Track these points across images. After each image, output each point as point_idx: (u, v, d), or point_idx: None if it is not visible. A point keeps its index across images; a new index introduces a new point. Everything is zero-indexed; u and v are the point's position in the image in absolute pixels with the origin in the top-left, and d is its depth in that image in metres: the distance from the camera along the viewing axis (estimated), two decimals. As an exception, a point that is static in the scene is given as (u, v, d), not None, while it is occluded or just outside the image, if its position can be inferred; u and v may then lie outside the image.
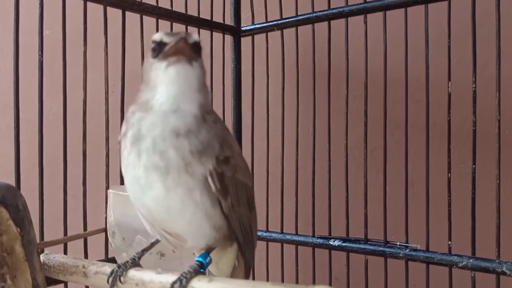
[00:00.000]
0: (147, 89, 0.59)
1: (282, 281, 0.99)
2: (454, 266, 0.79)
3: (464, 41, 0.83)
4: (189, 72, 0.57)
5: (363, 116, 0.90)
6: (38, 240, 0.68)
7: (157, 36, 0.58)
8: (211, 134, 0.58)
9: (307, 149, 1.00)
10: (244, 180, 0.63)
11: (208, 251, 0.62)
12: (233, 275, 0.71)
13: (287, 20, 1.00)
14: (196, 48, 0.58)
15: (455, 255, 0.79)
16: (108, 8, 0.84)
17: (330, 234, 0.94)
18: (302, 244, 0.96)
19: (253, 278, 1.02)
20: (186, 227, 0.60)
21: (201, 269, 0.60)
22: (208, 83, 1.00)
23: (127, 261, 0.63)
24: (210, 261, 0.62)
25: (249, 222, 0.65)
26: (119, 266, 0.63)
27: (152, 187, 0.58)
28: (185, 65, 0.57)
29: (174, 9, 0.95)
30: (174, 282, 0.57)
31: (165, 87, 0.57)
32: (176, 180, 0.57)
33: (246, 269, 0.68)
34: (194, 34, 0.59)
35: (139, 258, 0.65)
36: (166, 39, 0.57)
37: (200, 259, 0.61)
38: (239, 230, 0.63)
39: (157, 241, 0.68)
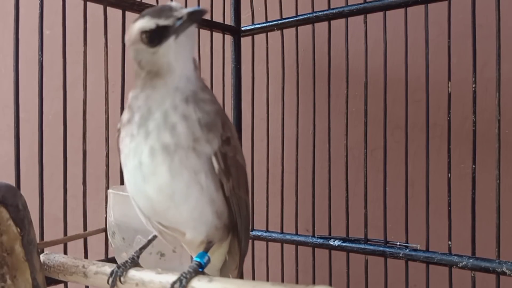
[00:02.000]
0: (149, 76, 0.58)
1: (282, 281, 0.99)
2: (454, 266, 0.79)
3: (464, 41, 0.83)
4: (195, 40, 0.60)
5: (363, 116, 0.90)
6: (38, 240, 0.68)
7: (149, 24, 0.57)
8: (214, 109, 0.58)
9: (307, 149, 1.00)
10: (242, 162, 0.63)
11: (205, 250, 0.62)
12: (223, 268, 0.71)
13: (287, 20, 1.00)
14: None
15: (455, 255, 0.79)
16: (108, 8, 0.84)
17: (330, 234, 0.94)
18: (302, 244, 0.96)
19: (253, 278, 1.02)
20: (189, 214, 0.59)
21: (200, 268, 0.60)
22: (208, 83, 1.00)
23: (127, 261, 0.63)
24: (209, 260, 0.62)
25: (246, 206, 0.64)
26: (119, 267, 0.63)
27: (156, 173, 0.57)
28: (194, 33, 0.59)
29: (174, 9, 0.94)
30: (174, 282, 0.57)
31: (175, 56, 0.57)
32: (183, 161, 0.56)
33: (240, 258, 0.68)
34: (176, 4, 0.58)
35: (138, 257, 0.65)
36: (163, 22, 0.56)
37: (198, 259, 0.61)
38: (238, 215, 0.62)
39: (154, 238, 0.68)
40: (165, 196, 0.58)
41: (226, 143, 0.59)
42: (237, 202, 0.62)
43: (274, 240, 1.00)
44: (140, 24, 0.58)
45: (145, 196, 0.60)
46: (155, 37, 0.57)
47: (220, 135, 0.58)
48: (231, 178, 0.60)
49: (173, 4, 0.57)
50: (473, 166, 0.77)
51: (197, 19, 0.56)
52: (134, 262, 0.63)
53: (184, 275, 0.58)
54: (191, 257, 0.65)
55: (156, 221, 0.63)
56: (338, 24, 0.96)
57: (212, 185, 0.58)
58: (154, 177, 0.57)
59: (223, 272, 0.71)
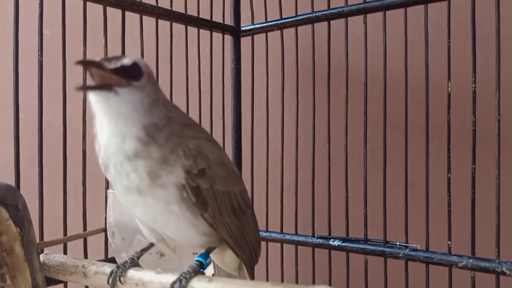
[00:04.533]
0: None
1: (282, 281, 0.99)
2: (454, 266, 0.79)
3: (464, 41, 0.83)
4: (110, 99, 0.56)
5: (363, 116, 0.90)
6: (37, 240, 0.68)
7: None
8: (167, 150, 0.57)
9: (307, 149, 1.00)
10: (226, 189, 0.62)
11: (208, 251, 0.63)
12: (240, 269, 0.71)
13: (286, 20, 1.00)
14: (127, 71, 0.56)
15: (454, 255, 0.79)
16: (107, 8, 0.84)
17: (330, 234, 0.94)
18: (302, 244, 0.96)
19: (253, 278, 1.02)
20: (175, 234, 0.62)
21: (201, 269, 0.60)
22: (207, 83, 1.00)
23: (126, 261, 0.63)
24: (210, 261, 0.62)
25: (237, 228, 0.64)
26: (118, 267, 0.63)
27: (135, 205, 0.59)
28: (102, 93, 0.56)
29: (173, 9, 0.95)
30: (174, 282, 0.57)
31: (97, 114, 0.58)
32: (154, 196, 0.57)
33: (247, 269, 0.68)
34: (126, 57, 0.57)
35: (138, 258, 0.65)
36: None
37: (200, 259, 0.61)
38: (227, 237, 0.63)
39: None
40: (151, 219, 0.61)
41: (198, 176, 0.58)
42: (224, 227, 0.62)
43: (274, 240, 1.00)
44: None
45: (137, 216, 0.63)
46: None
47: (187, 169, 0.57)
48: (209, 208, 0.60)
49: (120, 59, 0.56)
50: (473, 166, 0.77)
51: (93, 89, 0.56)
52: (134, 263, 0.64)
53: (183, 275, 0.58)
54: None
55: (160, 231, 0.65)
56: (338, 24, 0.96)
57: (188, 214, 0.59)
58: (135, 208, 0.60)
59: (241, 271, 0.71)
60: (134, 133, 0.56)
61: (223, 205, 0.61)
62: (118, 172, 0.57)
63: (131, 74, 0.56)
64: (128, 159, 0.56)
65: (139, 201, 0.58)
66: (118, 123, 0.57)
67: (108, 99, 0.56)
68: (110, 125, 0.57)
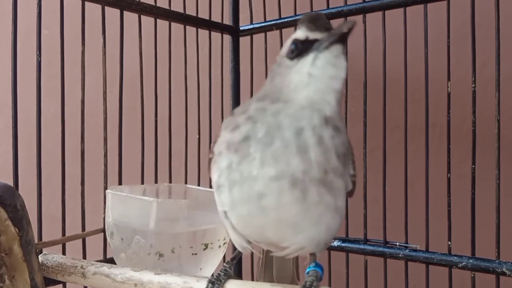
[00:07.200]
0: (279, 90, 0.52)
1: (281, 281, 0.99)
2: (454, 267, 0.79)
3: (463, 41, 0.82)
4: (343, 64, 0.51)
5: (363, 116, 0.90)
6: (36, 240, 0.67)
7: (300, 35, 0.52)
8: (347, 140, 0.52)
9: (306, 149, 0.99)
10: None
11: (315, 259, 0.57)
12: (292, 280, 0.70)
13: (285, 20, 1.00)
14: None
15: (454, 255, 0.79)
16: (106, 7, 0.84)
17: (329, 234, 0.94)
18: (301, 244, 0.96)
19: (253, 279, 1.02)
20: (308, 238, 0.53)
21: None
22: (206, 83, 1.00)
23: (220, 274, 0.56)
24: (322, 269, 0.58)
25: None
26: (212, 282, 0.56)
27: (282, 208, 0.49)
28: (343, 55, 0.51)
29: (172, 8, 0.94)
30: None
31: (314, 78, 0.51)
32: (315, 199, 0.50)
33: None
34: (347, 24, 0.51)
35: (231, 268, 0.58)
36: (313, 36, 0.51)
37: (317, 269, 0.56)
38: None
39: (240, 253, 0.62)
40: (285, 227, 0.52)
41: (354, 169, 0.54)
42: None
43: (273, 241, 0.99)
44: (295, 34, 0.53)
45: (256, 226, 0.53)
46: (298, 49, 0.52)
47: (352, 167, 0.54)
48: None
49: (345, 25, 0.52)
50: (473, 166, 0.77)
51: (345, 38, 0.50)
52: (228, 274, 0.57)
53: (310, 282, 0.53)
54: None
55: (254, 240, 0.56)
56: (337, 24, 0.95)
57: (343, 208, 0.54)
58: (277, 212, 0.50)
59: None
60: (333, 106, 0.51)
61: None
62: (287, 148, 0.48)
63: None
64: (326, 123, 0.49)
65: (291, 205, 0.49)
66: (328, 86, 0.51)
67: (342, 61, 0.51)
68: (313, 87, 0.51)
